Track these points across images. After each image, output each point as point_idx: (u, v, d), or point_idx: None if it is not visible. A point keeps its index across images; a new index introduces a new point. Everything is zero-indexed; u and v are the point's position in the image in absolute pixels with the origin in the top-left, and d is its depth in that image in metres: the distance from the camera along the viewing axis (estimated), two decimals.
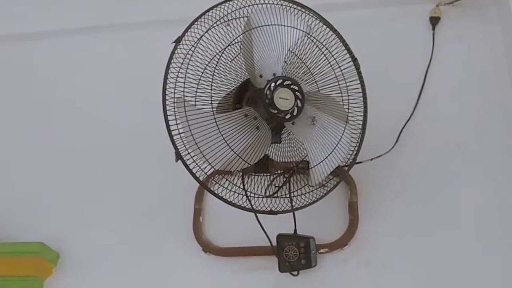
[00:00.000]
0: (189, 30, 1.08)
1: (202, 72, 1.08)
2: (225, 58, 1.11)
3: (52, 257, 1.33)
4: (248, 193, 1.14)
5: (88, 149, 1.47)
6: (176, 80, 1.06)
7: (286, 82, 1.07)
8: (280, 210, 1.15)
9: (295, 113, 1.08)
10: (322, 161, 1.13)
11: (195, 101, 1.08)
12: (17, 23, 1.65)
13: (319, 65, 1.17)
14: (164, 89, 1.05)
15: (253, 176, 1.18)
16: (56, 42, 1.63)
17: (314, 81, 1.18)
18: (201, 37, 1.08)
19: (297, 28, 1.13)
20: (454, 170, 1.29)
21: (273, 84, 1.06)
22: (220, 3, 1.11)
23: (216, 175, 1.14)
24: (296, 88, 1.08)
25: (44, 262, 1.31)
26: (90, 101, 1.54)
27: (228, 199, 1.12)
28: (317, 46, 1.16)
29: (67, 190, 1.43)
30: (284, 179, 1.21)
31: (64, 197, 1.43)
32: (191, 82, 1.08)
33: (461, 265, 1.20)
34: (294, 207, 1.16)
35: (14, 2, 1.67)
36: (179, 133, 1.05)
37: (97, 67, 1.58)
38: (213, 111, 1.08)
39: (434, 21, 1.45)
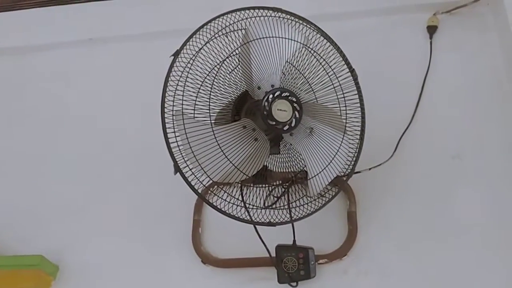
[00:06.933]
0: (188, 43, 1.08)
1: (201, 85, 1.08)
2: (223, 71, 1.11)
3: (52, 270, 1.32)
4: (247, 205, 1.14)
5: (86, 162, 1.47)
6: (175, 93, 1.06)
7: (284, 94, 1.07)
8: (279, 221, 1.14)
9: (293, 125, 1.08)
10: (320, 172, 1.13)
11: (194, 113, 1.08)
12: (17, 36, 1.66)
13: (317, 76, 1.17)
14: (163, 102, 1.05)
15: (251, 187, 1.17)
16: (55, 55, 1.63)
17: (312, 91, 1.18)
18: (199, 50, 1.08)
19: (295, 40, 1.13)
20: (453, 178, 1.29)
21: (271, 96, 1.06)
22: (218, 16, 1.11)
23: (215, 187, 1.14)
24: (294, 99, 1.08)
25: (43, 275, 1.30)
26: (89, 113, 1.53)
27: (227, 211, 1.11)
28: (315, 57, 1.16)
29: (66, 203, 1.42)
30: (283, 189, 1.21)
31: (63, 210, 1.42)
32: (190, 95, 1.08)
33: (461, 274, 1.19)
34: (293, 218, 1.15)
35: (13, 15, 1.67)
36: (178, 146, 1.05)
37: (98, 79, 1.58)
38: (211, 123, 1.08)
39: (432, 30, 1.45)
